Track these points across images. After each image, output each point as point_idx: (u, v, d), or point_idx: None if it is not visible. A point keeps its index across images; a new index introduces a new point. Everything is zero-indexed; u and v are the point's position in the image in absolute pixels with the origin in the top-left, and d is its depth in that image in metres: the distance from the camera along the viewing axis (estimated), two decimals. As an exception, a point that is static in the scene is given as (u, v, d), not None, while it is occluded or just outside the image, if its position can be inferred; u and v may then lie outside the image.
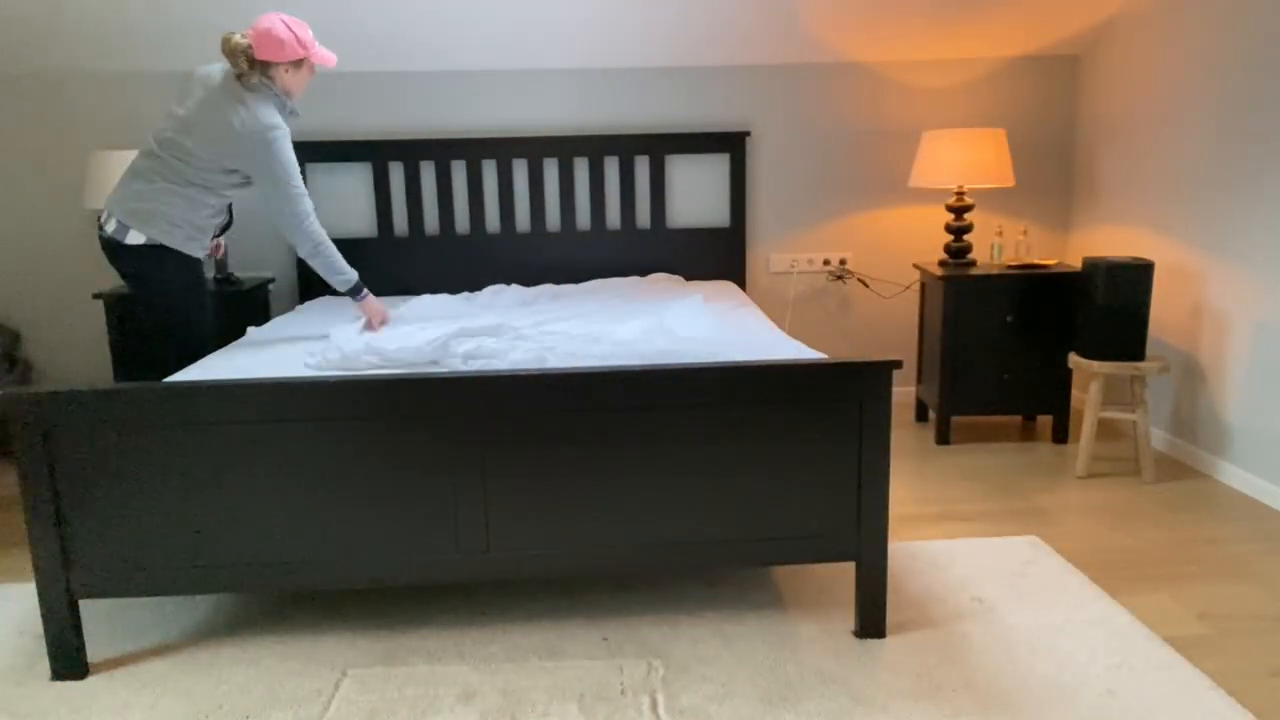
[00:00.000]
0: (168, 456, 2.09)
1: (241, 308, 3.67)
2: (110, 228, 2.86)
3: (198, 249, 2.94)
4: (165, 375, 2.69)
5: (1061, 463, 3.55)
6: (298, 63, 2.87)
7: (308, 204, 2.89)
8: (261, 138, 2.78)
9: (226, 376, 2.35)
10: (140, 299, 3.09)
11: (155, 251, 2.86)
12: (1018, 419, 4.10)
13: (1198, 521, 2.98)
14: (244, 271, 3.98)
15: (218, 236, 3.22)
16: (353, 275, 3.01)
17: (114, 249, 2.89)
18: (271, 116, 2.81)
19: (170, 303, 2.95)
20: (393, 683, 2.15)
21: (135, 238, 2.84)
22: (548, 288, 3.76)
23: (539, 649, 2.28)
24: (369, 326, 3.01)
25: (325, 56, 2.91)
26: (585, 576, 2.61)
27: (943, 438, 3.79)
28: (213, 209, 2.93)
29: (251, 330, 3.11)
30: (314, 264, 2.96)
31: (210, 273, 3.63)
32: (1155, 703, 2.01)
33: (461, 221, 4.05)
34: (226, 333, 3.19)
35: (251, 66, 2.80)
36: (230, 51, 2.79)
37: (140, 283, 2.96)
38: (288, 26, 2.80)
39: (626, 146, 4.00)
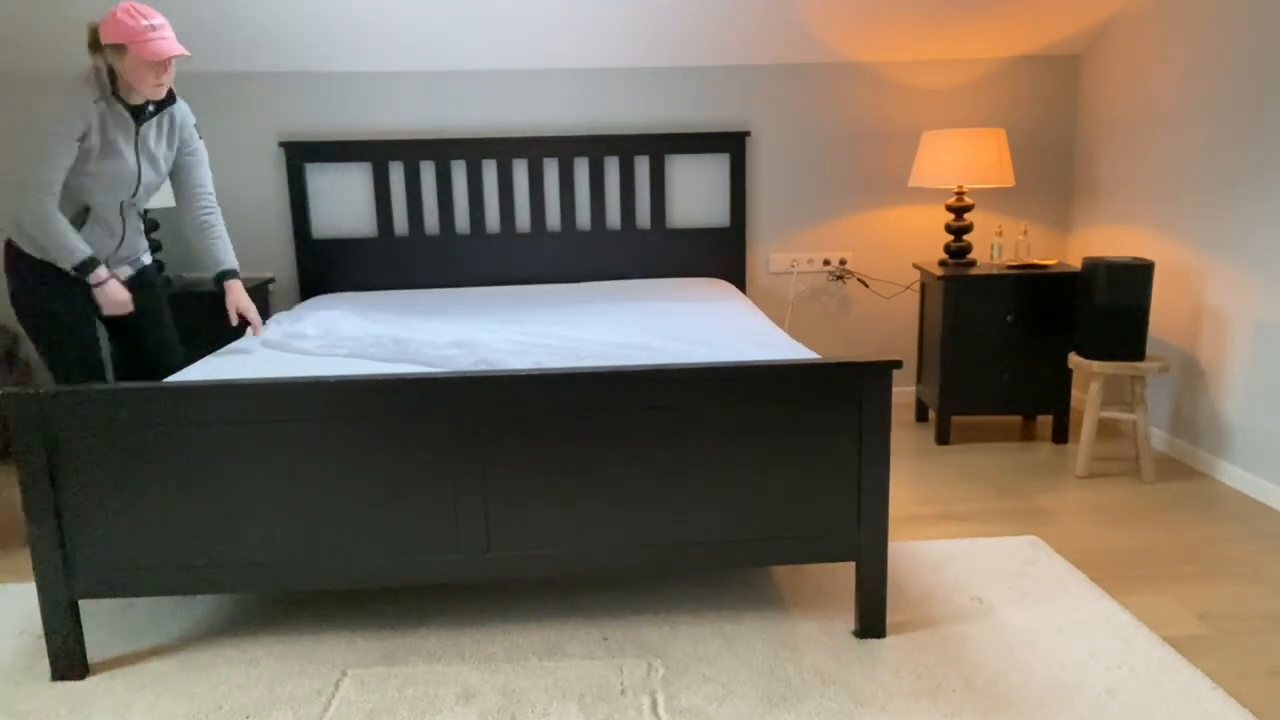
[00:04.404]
0: (168, 456, 2.09)
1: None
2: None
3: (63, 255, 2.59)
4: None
5: (1061, 463, 3.55)
6: (119, 48, 2.47)
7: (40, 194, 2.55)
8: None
9: (226, 377, 2.34)
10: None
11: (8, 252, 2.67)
12: (1018, 419, 4.10)
13: (1198, 521, 2.98)
14: (245, 272, 3.97)
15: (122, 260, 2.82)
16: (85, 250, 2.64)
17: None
18: (54, 104, 2.50)
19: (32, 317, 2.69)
20: (393, 683, 2.15)
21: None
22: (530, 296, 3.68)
23: (539, 649, 2.28)
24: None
25: (155, 51, 2.46)
26: (585, 576, 2.61)
27: (943, 438, 3.79)
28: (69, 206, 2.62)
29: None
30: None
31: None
32: (1155, 703, 2.01)
33: (461, 221, 4.05)
34: (226, 335, 3.18)
35: (95, 48, 2.52)
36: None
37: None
38: (129, 11, 2.46)
39: (626, 146, 4.00)
